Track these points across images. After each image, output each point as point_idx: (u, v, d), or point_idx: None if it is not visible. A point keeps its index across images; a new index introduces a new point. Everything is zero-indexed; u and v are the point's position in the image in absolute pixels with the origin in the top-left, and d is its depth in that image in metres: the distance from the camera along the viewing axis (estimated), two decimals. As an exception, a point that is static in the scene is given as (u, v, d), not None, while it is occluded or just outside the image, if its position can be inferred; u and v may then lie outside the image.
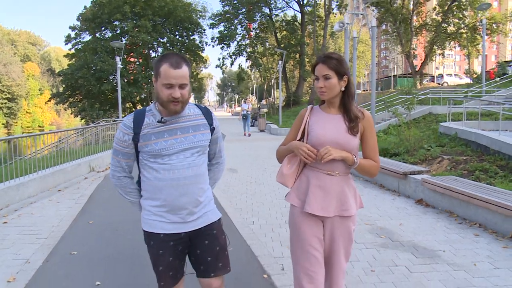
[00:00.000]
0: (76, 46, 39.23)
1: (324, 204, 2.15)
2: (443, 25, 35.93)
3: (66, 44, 39.87)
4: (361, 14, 13.47)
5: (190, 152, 2.09)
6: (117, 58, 19.58)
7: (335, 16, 35.76)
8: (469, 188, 5.35)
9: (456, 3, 34.28)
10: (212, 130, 2.23)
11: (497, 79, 24.45)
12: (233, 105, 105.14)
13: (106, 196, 7.22)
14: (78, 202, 6.73)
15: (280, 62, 30.89)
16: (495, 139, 7.93)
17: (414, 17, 37.40)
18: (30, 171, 7.55)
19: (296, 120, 2.34)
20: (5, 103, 75.16)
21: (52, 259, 4.22)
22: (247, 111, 21.68)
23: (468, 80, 32.50)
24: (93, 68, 35.35)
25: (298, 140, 2.24)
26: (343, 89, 2.16)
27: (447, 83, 40.55)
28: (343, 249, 2.21)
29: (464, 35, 36.31)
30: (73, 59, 38.56)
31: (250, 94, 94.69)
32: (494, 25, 35.06)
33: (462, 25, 35.89)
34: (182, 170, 2.06)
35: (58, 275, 3.82)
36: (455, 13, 35.48)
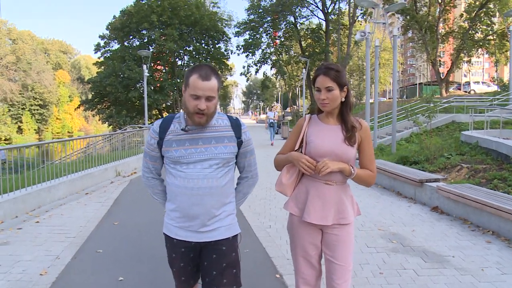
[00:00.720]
0: (105, 55, 40.39)
1: (323, 214, 2.20)
2: (470, 32, 35.39)
3: (95, 52, 41.13)
4: (383, 23, 13.50)
5: (208, 164, 2.08)
6: (144, 67, 20.15)
7: (360, 24, 35.67)
8: (483, 195, 5.42)
9: (484, 10, 33.74)
10: (240, 143, 2.20)
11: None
12: (258, 112, 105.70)
13: (131, 200, 7.55)
14: (105, 205, 7.08)
15: (304, 70, 31.07)
16: (516, 148, 7.89)
17: (440, 24, 36.95)
18: (60, 175, 7.97)
19: (295, 129, 2.37)
20: (37, 110, 77.70)
21: (80, 256, 4.53)
22: (273, 119, 20.74)
23: (496, 88, 31.90)
24: (121, 75, 36.29)
25: (296, 150, 2.31)
26: (343, 99, 2.20)
27: (474, 90, 39.80)
28: (344, 256, 2.24)
29: (492, 42, 35.66)
30: (102, 67, 39.71)
31: (275, 102, 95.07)
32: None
33: (490, 31, 35.26)
34: (197, 180, 2.06)
35: (85, 270, 4.11)
36: (483, 19, 34.92)
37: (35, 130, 77.97)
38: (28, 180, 6.85)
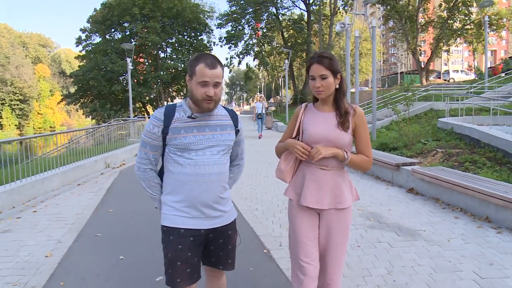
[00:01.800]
0: (87, 48, 40.07)
1: (319, 197, 2.25)
2: (448, 21, 36.16)
3: (77, 46, 40.77)
4: (362, 14, 13.91)
5: (216, 150, 2.16)
6: (128, 60, 20.22)
7: (341, 15, 36.08)
8: (453, 176, 5.88)
9: (462, 0, 34.48)
10: (237, 132, 2.32)
11: (503, 74, 24.77)
12: (241, 103, 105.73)
13: (122, 189, 7.85)
14: (98, 194, 7.36)
15: (286, 61, 31.43)
16: (486, 133, 8.42)
17: (420, 14, 37.61)
18: (53, 167, 8.20)
19: (292, 118, 2.43)
20: (18, 105, 76.46)
21: (80, 239, 4.84)
22: (262, 110, 19.51)
23: (474, 76, 32.79)
24: (104, 69, 36.15)
25: (294, 138, 2.37)
26: (337, 86, 2.26)
27: (453, 79, 40.74)
28: (339, 241, 2.29)
29: (470, 31, 36.49)
30: (84, 61, 39.44)
31: (258, 92, 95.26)
32: (500, 20, 35.18)
33: (468, 21, 36.07)
34: (208, 167, 2.12)
35: (86, 251, 4.44)
36: (460, 9, 35.68)
37: (16, 125, 76.78)
38: (23, 172, 7.08)
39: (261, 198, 6.69)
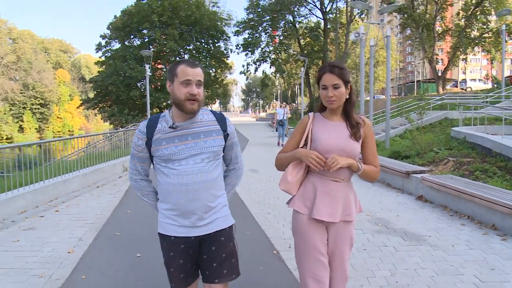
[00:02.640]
0: (106, 54, 40.91)
1: (332, 210, 2.21)
2: (466, 30, 35.93)
3: (97, 52, 41.59)
4: (377, 23, 14.06)
5: (200, 158, 2.13)
6: (147, 66, 20.69)
7: (358, 23, 36.17)
8: (461, 184, 6.00)
9: (480, 8, 34.25)
10: (226, 136, 2.26)
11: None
12: (257, 110, 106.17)
13: (140, 192, 8.12)
14: (116, 196, 7.66)
15: (302, 68, 31.65)
16: (498, 142, 8.48)
17: (437, 23, 37.46)
18: (73, 170, 8.55)
19: (298, 127, 2.36)
20: (38, 109, 78.20)
21: (100, 238, 5.11)
22: (283, 118, 18.06)
23: (491, 85, 32.47)
24: (122, 75, 36.83)
25: (301, 148, 2.30)
26: (347, 96, 2.24)
27: (470, 88, 40.33)
28: (345, 254, 2.28)
29: (488, 40, 36.18)
30: (103, 66, 40.27)
31: (274, 100, 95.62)
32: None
33: (486, 29, 35.78)
34: (191, 176, 2.10)
35: (106, 249, 4.70)
36: (478, 17, 35.44)
37: (36, 129, 78.48)
38: (46, 173, 7.42)
39: (273, 202, 6.89)
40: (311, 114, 2.36)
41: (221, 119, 2.25)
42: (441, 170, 8.50)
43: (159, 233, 2.23)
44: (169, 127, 2.13)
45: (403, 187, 7.62)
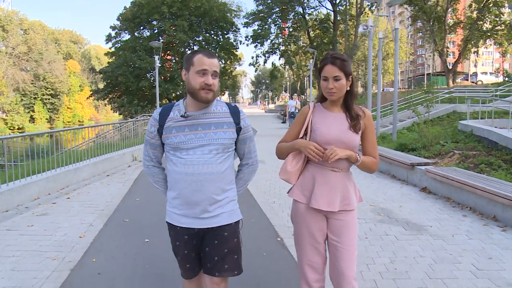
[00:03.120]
0: (116, 45, 41.13)
1: (330, 200, 2.23)
2: (478, 22, 35.53)
3: (106, 43, 41.79)
4: (386, 16, 14.03)
5: (208, 149, 2.11)
6: (156, 57, 20.83)
7: (367, 16, 35.92)
8: (463, 176, 6.08)
9: (493, 0, 33.81)
10: (239, 129, 2.23)
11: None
12: (267, 102, 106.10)
13: (148, 181, 8.22)
14: (125, 185, 7.84)
15: (311, 60, 31.61)
16: (504, 136, 8.51)
17: (448, 15, 37.09)
18: (84, 159, 8.75)
19: (298, 118, 2.38)
20: (49, 99, 78.75)
21: (110, 224, 5.29)
22: (296, 109, 17.72)
23: (506, 78, 32.14)
24: (132, 65, 37.05)
25: (300, 138, 2.33)
26: (348, 88, 2.25)
27: (481, 81, 40.08)
28: (350, 242, 2.28)
29: (500, 33, 35.76)
30: (113, 57, 40.53)
31: (283, 91, 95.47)
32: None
33: (499, 22, 35.33)
34: (197, 166, 2.10)
35: (116, 234, 4.88)
36: (491, 10, 35.01)
37: (46, 119, 79.12)
38: (57, 162, 7.62)
39: (279, 192, 7.03)
40: (311, 104, 2.37)
41: (235, 112, 2.23)
42: (446, 163, 8.56)
43: (167, 222, 2.27)
44: (181, 116, 2.14)
45: (407, 178, 7.70)
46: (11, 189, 6.08)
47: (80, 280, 3.58)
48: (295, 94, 20.01)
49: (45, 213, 5.77)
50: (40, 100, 77.62)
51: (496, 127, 10.51)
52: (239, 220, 2.27)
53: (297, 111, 17.69)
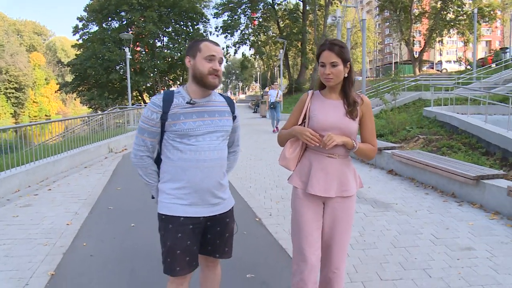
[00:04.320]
0: (84, 37, 40.37)
1: (326, 186, 2.24)
2: (442, 12, 36.69)
3: (74, 34, 40.99)
4: (354, 7, 14.50)
5: (215, 136, 2.16)
6: (127, 49, 20.75)
7: (336, 6, 36.49)
8: (426, 158, 6.57)
9: (456, -9, 34.93)
10: (234, 118, 2.32)
11: (493, 65, 25.49)
12: (237, 92, 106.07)
13: (127, 171, 8.49)
14: (105, 175, 8.00)
15: (281, 50, 31.99)
16: (463, 121, 9.10)
17: (414, 5, 38.09)
18: (60, 151, 8.83)
19: (297, 105, 2.40)
20: (13, 93, 76.32)
21: (95, 212, 5.50)
22: (276, 100, 15.54)
23: (468, 66, 33.43)
24: (101, 58, 36.51)
25: (299, 125, 2.35)
26: (346, 75, 2.25)
27: (446, 69, 41.47)
28: (344, 230, 2.30)
29: (463, 23, 37.06)
30: (81, 49, 39.78)
31: (254, 82, 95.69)
32: (493, 12, 35.78)
33: (461, 12, 36.59)
34: (208, 152, 2.12)
35: (101, 220, 5.10)
36: (454, 0, 36.19)
37: (11, 114, 76.71)
38: (36, 155, 7.70)
39: (255, 177, 7.37)
40: (310, 91, 2.39)
41: (230, 102, 2.33)
42: (411, 147, 9.09)
43: (163, 215, 2.16)
44: (187, 103, 2.13)
45: (375, 162, 8.18)
46: (-8, 182, 6.18)
47: (74, 262, 3.82)
48: (276, 83, 17.33)
49: (29, 204, 5.90)
50: (4, 94, 75.12)
51: (458, 113, 11.15)
52: (233, 205, 2.37)
53: (278, 101, 15.74)
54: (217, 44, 2.16)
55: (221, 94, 2.35)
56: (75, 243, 4.29)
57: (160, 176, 2.24)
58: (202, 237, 2.25)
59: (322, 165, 2.25)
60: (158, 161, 2.26)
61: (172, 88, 2.41)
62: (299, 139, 2.29)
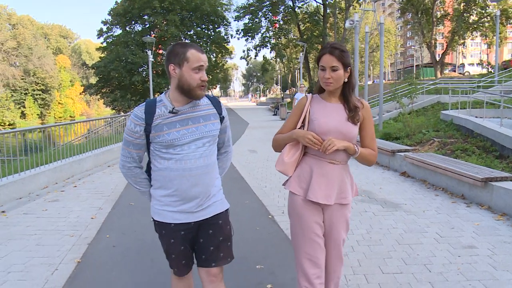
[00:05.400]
0: (108, 40, 41.38)
1: (327, 192, 2.20)
2: (464, 14, 36.24)
3: (98, 37, 42.08)
4: (373, 10, 14.60)
5: (201, 142, 2.10)
6: (149, 52, 21.25)
7: (354, 9, 36.47)
8: (437, 160, 6.70)
9: (479, -8, 34.49)
10: (222, 119, 2.24)
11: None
12: (258, 95, 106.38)
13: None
14: (127, 174, 8.36)
15: (301, 53, 32.17)
16: (478, 124, 9.15)
17: (436, 7, 37.73)
18: (86, 150, 9.26)
19: (296, 108, 2.34)
20: (40, 95, 78.40)
21: (117, 207, 5.84)
22: None
23: (490, 69, 32.96)
24: (124, 60, 37.37)
25: (298, 129, 2.28)
26: (346, 80, 2.21)
27: (468, 72, 40.79)
28: (340, 236, 2.29)
29: (487, 25, 36.52)
30: (105, 52, 40.78)
31: (274, 84, 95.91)
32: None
33: (485, 14, 36.06)
34: (194, 160, 2.08)
35: (124, 215, 5.43)
36: (477, 2, 35.71)
37: (38, 115, 78.82)
38: (63, 153, 8.13)
39: (270, 178, 7.61)
40: (309, 95, 2.34)
41: (216, 103, 2.25)
42: (426, 150, 9.19)
43: (156, 220, 2.19)
44: (169, 112, 2.07)
45: (389, 164, 8.32)
46: (23, 178, 6.61)
47: (98, 251, 4.14)
48: (302, 85, 15.69)
49: (56, 199, 6.29)
50: (31, 95, 77.25)
51: (476, 116, 11.16)
52: (228, 209, 2.30)
53: None
54: (203, 51, 2.08)
55: (207, 95, 2.24)
56: (99, 235, 4.61)
57: (152, 182, 2.22)
58: (196, 243, 2.22)
59: (323, 171, 2.21)
60: (149, 168, 2.26)
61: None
62: (299, 144, 2.26)
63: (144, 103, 2.14)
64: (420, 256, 3.81)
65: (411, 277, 3.38)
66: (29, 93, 76.48)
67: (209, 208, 2.17)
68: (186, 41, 40.47)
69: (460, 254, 3.84)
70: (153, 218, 2.21)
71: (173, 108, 2.07)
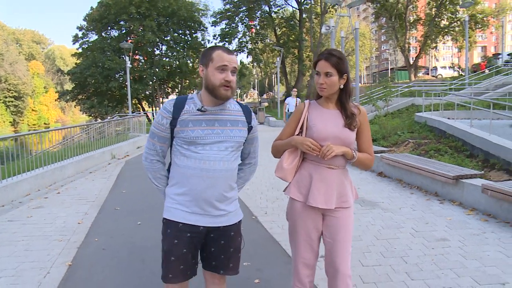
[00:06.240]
0: (83, 45, 40.89)
1: (327, 197, 2.22)
2: (436, 19, 37.35)
3: (74, 43, 41.48)
4: (348, 16, 15.01)
5: (224, 146, 2.08)
6: (127, 58, 21.23)
7: (332, 14, 37.13)
8: (412, 160, 7.02)
9: (449, -2, 35.62)
10: (250, 129, 2.22)
11: (486, 71, 26.08)
12: (235, 99, 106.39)
13: (131, 175, 8.92)
14: (110, 180, 8.43)
15: (278, 58, 32.56)
16: (450, 125, 9.56)
17: (409, 12, 38.73)
18: (67, 157, 9.26)
19: (294, 114, 2.36)
20: (12, 101, 76.60)
21: (103, 212, 5.92)
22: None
23: (461, 72, 34.06)
24: (101, 66, 37.01)
25: (296, 135, 2.31)
26: (341, 87, 2.24)
27: (441, 75, 42.14)
28: (346, 239, 2.29)
29: (457, 29, 37.72)
30: (81, 58, 40.30)
31: (252, 89, 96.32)
32: (486, 19, 36.44)
33: (455, 19, 37.25)
34: (214, 162, 2.05)
35: (110, 219, 5.52)
36: (447, 7, 36.87)
37: (10, 122, 77.02)
38: (44, 160, 8.12)
39: (252, 181, 7.77)
40: (306, 101, 2.37)
41: (247, 112, 2.23)
42: (401, 151, 9.54)
43: (165, 219, 2.16)
44: (198, 110, 2.08)
45: (366, 165, 8.60)
46: (5, 186, 6.62)
47: (88, 254, 4.24)
48: (294, 90, 15.02)
49: (40, 206, 6.32)
50: (3, 102, 75.41)
51: (448, 118, 11.61)
52: (241, 219, 2.28)
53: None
54: (231, 53, 2.08)
55: (239, 103, 2.26)
56: (87, 239, 4.70)
57: (169, 180, 2.22)
58: (206, 251, 2.19)
59: (322, 176, 2.24)
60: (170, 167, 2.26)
61: (171, 97, 2.22)
62: (297, 150, 2.30)
63: (175, 97, 2.19)
64: (397, 250, 4.05)
65: (389, 268, 3.62)
66: (0, 100, 74.64)
67: (222, 217, 2.13)
68: (163, 47, 40.77)
69: (433, 246, 4.10)
70: (163, 217, 2.19)
71: (202, 106, 2.08)
